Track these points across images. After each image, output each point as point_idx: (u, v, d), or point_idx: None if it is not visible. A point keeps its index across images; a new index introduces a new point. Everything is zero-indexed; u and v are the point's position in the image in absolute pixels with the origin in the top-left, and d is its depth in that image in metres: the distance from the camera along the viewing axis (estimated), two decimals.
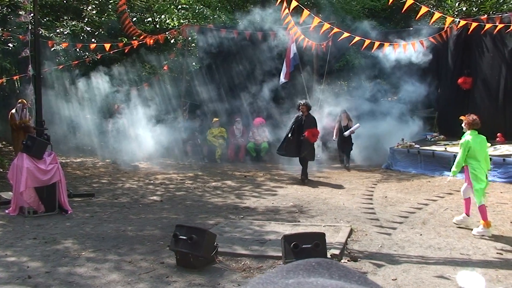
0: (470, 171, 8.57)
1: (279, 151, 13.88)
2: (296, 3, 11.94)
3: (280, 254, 6.72)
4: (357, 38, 12.92)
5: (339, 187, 12.84)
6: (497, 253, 7.35)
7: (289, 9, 12.19)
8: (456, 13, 18.36)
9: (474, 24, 12.09)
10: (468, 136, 8.73)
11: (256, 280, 0.80)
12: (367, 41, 12.97)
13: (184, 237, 6.66)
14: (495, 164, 13.15)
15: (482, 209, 8.38)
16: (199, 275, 6.42)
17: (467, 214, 8.82)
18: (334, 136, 15.77)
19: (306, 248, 6.43)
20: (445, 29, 14.05)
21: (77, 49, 17.49)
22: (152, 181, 13.90)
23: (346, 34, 12.77)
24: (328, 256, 6.87)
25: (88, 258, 7.13)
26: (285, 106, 17.71)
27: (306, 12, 12.18)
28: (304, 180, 13.40)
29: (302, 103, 13.36)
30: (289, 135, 13.26)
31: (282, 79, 17.24)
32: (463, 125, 8.98)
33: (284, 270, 0.82)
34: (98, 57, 17.48)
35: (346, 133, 15.26)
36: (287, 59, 17.06)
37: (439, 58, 16.27)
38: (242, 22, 18.29)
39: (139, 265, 6.84)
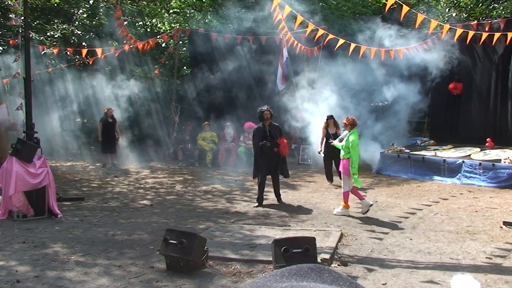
0: (350, 163, 10.06)
1: (257, 174, 11.45)
2: (289, 9, 11.96)
3: (271, 259, 6.72)
4: (353, 45, 12.91)
5: (330, 191, 12.86)
6: (486, 257, 7.38)
7: (282, 16, 12.19)
8: (446, 18, 18.47)
9: (471, 33, 12.09)
10: (353, 136, 10.25)
11: (250, 284, 0.81)
12: (363, 48, 12.98)
13: (174, 242, 6.64)
14: (484, 169, 13.23)
15: (347, 194, 10.26)
16: (189, 279, 6.40)
17: (347, 204, 10.33)
18: (320, 148, 13.84)
19: (296, 252, 6.42)
20: (442, 36, 13.93)
21: (68, 53, 17.44)
22: (142, 185, 13.86)
23: (341, 41, 12.75)
24: (319, 260, 6.87)
25: (77, 262, 7.08)
26: (276, 111, 17.72)
27: (300, 18, 12.20)
28: (280, 200, 11.46)
29: (265, 109, 11.29)
30: (263, 143, 11.05)
31: (280, 85, 17.25)
32: (344, 126, 10.57)
33: (278, 274, 0.84)
34: (90, 63, 17.38)
35: (334, 142, 12.49)
36: (281, 64, 17.11)
37: (430, 63, 16.32)
38: (233, 26, 18.33)
39: (128, 269, 6.81)
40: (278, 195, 11.47)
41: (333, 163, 13.46)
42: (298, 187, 13.40)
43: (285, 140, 11.49)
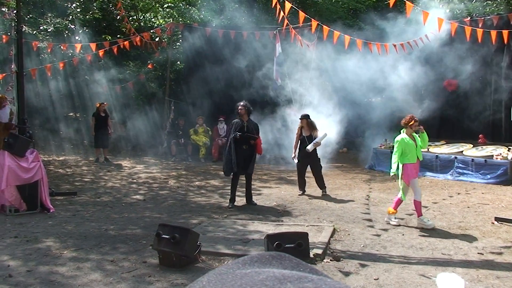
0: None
1: (228, 172, 10.95)
2: (290, 5, 11.97)
3: None
4: (359, 42, 12.84)
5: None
6: (478, 253, 7.41)
7: (284, 12, 12.17)
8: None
9: (480, 32, 11.97)
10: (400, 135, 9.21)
11: (213, 272, 0.84)
12: (358, 42, 12.95)
13: (167, 236, 6.64)
14: (477, 165, 13.28)
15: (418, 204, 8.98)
16: (182, 274, 6.40)
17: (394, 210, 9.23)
18: (293, 153, 12.17)
19: (289, 247, 6.44)
20: (452, 34, 13.59)
21: (61, 47, 17.34)
22: (135, 180, 13.84)
23: (347, 37, 12.68)
24: (311, 255, 6.89)
25: (69, 257, 7.07)
26: (270, 106, 17.74)
27: (302, 15, 12.21)
28: (251, 202, 10.94)
29: (241, 104, 10.90)
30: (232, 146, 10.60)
31: (276, 81, 17.23)
32: (416, 125, 9.12)
33: (240, 262, 0.89)
34: (89, 60, 17.21)
35: (309, 147, 11.52)
36: (275, 59, 17.12)
37: (425, 59, 16.33)
38: (227, 21, 18.26)
39: (121, 264, 6.80)
40: (249, 196, 10.98)
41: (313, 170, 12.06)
42: (292, 182, 13.40)
43: (259, 140, 10.89)
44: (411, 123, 8.96)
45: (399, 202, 9.10)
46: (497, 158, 13.23)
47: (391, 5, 10.80)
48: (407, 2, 10.89)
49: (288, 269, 0.85)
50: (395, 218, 9.17)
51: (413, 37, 14.35)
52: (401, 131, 9.13)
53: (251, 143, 10.62)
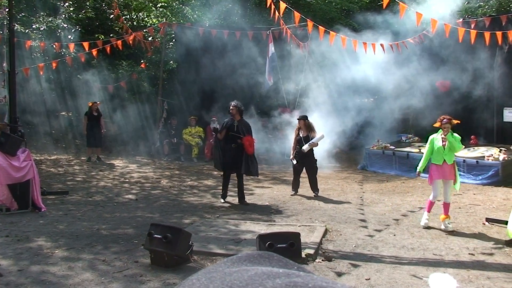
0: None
1: (217, 166, 11.35)
2: (285, 5, 11.97)
3: None
4: (355, 42, 12.83)
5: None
6: (469, 254, 7.45)
7: (279, 13, 12.17)
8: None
9: (474, 33, 11.98)
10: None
11: (203, 271, 0.86)
12: (365, 44, 12.96)
13: (159, 236, 6.63)
14: (468, 166, 13.33)
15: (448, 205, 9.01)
16: (174, 274, 6.39)
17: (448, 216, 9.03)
18: (292, 154, 12.15)
19: (281, 247, 6.45)
20: (446, 35, 13.51)
21: (54, 46, 17.26)
22: (127, 180, 13.81)
23: (343, 38, 12.69)
24: (303, 255, 6.90)
25: (61, 257, 7.05)
26: (262, 106, 17.75)
27: (297, 15, 12.23)
28: (243, 202, 11.05)
29: (232, 104, 11.00)
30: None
31: (267, 81, 17.20)
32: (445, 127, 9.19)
33: (229, 261, 0.91)
34: (82, 60, 17.07)
35: (305, 147, 11.54)
36: (267, 59, 17.09)
37: (418, 60, 16.36)
38: (220, 21, 18.23)
39: (113, 264, 6.79)
40: (240, 196, 11.12)
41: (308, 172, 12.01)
42: (285, 182, 13.42)
43: (252, 139, 10.85)
44: (441, 126, 9.16)
45: (434, 204, 9.09)
46: (488, 159, 13.29)
47: (384, 6, 10.82)
48: (400, 3, 10.92)
49: (277, 267, 0.86)
50: (449, 223, 8.83)
51: (407, 38, 14.41)
52: (438, 131, 9.35)
53: (239, 142, 10.66)
